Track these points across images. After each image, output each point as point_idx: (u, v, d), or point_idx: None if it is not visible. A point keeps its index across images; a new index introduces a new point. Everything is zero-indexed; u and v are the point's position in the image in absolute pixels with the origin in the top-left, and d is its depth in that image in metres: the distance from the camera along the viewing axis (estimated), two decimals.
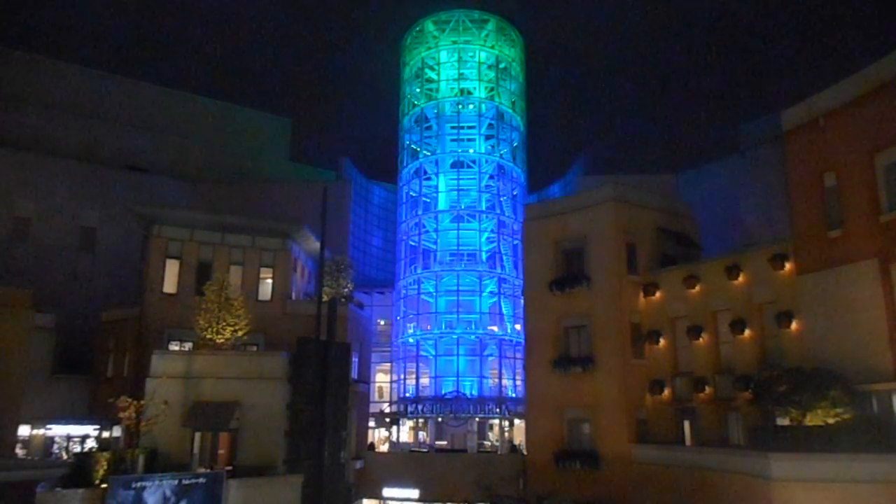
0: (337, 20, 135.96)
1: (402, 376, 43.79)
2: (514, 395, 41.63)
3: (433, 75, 47.67)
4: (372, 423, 42.97)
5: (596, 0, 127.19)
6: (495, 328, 42.67)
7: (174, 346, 31.05)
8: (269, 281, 34.84)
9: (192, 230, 33.65)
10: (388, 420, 43.51)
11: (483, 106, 46.20)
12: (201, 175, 53.84)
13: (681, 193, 47.03)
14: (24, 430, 34.07)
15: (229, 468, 23.30)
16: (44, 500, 19.02)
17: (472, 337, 42.12)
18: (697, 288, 28.10)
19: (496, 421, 40.47)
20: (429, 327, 43.04)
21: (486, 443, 41.24)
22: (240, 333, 26.48)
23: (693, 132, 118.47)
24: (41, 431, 35.40)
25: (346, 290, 34.92)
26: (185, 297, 32.25)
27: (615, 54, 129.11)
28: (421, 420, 41.15)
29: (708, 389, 26.81)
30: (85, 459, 20.79)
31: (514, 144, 47.43)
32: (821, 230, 23.22)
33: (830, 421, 20.35)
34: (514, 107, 47.22)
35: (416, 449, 39.30)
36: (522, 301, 36.85)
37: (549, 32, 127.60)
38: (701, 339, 27.51)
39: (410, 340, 43.10)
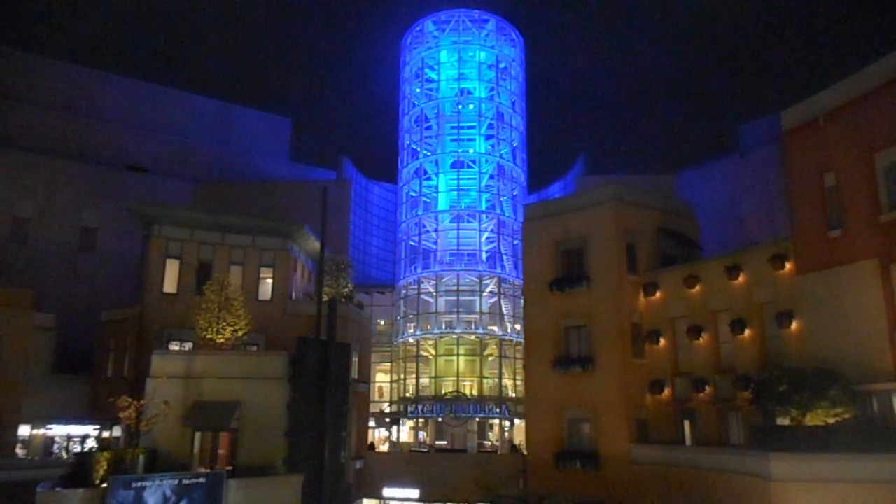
0: (337, 20, 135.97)
1: (402, 376, 43.80)
2: (514, 395, 41.62)
3: (433, 75, 47.69)
4: (372, 423, 42.98)
5: (596, 0, 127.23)
6: (495, 328, 42.67)
7: (174, 346, 31.01)
8: (269, 281, 34.81)
9: (192, 230, 33.62)
10: (388, 420, 43.54)
11: (483, 106, 46.22)
12: (201, 175, 53.83)
13: (681, 193, 47.04)
14: (24, 430, 34.04)
15: (229, 468, 23.26)
16: (44, 500, 18.97)
17: (472, 337, 42.12)
18: (697, 288, 28.08)
19: (496, 421, 40.50)
20: (429, 327, 43.05)
21: (486, 443, 41.26)
22: (240, 333, 26.44)
23: (693, 132, 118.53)
24: (41, 431, 35.37)
25: (346, 290, 34.89)
26: (185, 297, 32.20)
27: (615, 54, 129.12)
28: (421, 420, 41.15)
29: (708, 389, 26.80)
30: (85, 459, 20.72)
31: (514, 144, 47.44)
32: (821, 230, 23.21)
33: (830, 421, 20.33)
34: (514, 107, 47.23)
35: (416, 449, 39.31)
36: (522, 301, 36.84)
37: (549, 32, 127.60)
38: (701, 339, 27.50)
39: (410, 340, 43.10)
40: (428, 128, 47.35)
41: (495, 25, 47.32)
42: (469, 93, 46.66)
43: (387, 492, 34.98)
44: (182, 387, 24.19)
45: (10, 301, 32.10)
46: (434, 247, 45.32)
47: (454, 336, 41.81)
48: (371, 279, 52.74)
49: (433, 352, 42.70)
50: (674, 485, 24.54)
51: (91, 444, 34.53)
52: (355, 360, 34.82)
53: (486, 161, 45.41)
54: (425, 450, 38.53)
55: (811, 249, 23.54)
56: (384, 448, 42.53)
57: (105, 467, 20.10)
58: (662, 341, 29.19)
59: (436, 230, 45.21)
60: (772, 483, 19.06)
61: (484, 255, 44.24)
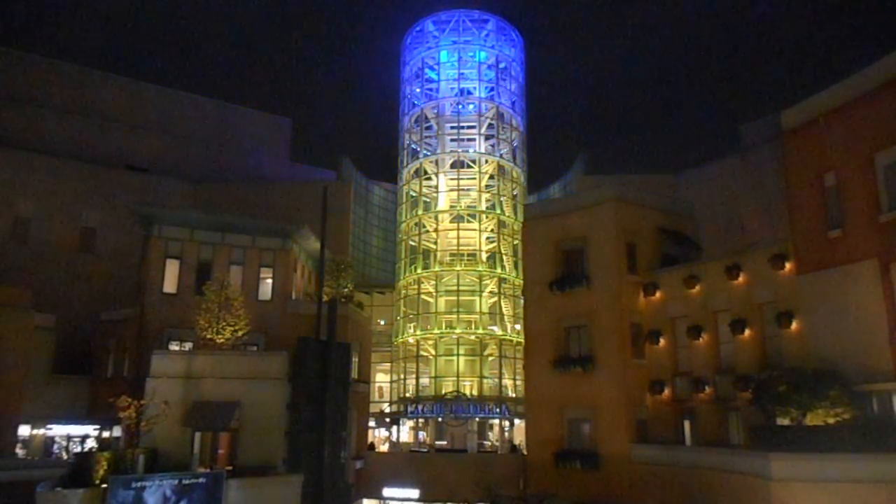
0: (337, 20, 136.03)
1: (402, 376, 43.80)
2: (514, 395, 41.62)
3: (433, 75, 47.70)
4: (372, 423, 42.99)
5: (596, 0, 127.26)
6: (495, 328, 42.67)
7: (174, 346, 31.03)
8: (269, 281, 34.83)
9: (192, 230, 33.64)
10: (388, 420, 43.53)
11: (483, 106, 46.23)
12: (201, 175, 53.85)
13: (681, 193, 47.04)
14: (24, 430, 34.07)
15: (229, 468, 23.29)
16: (44, 500, 19.00)
17: (472, 337, 42.12)
18: (697, 288, 28.07)
19: (496, 421, 40.48)
20: (429, 327, 43.06)
21: (486, 443, 41.25)
22: (240, 333, 26.48)
23: (693, 132, 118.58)
24: (41, 431, 35.39)
25: (346, 290, 34.91)
26: (185, 297, 32.23)
27: (615, 54, 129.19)
28: (421, 420, 41.15)
29: (708, 389, 26.79)
30: (85, 459, 20.76)
31: (514, 144, 47.46)
32: (821, 230, 23.20)
33: (830, 421, 20.34)
34: (514, 107, 47.23)
35: (416, 449, 39.30)
36: (522, 301, 36.82)
37: (549, 32, 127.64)
38: (701, 339, 27.48)
39: (410, 340, 43.10)
40: (428, 128, 47.36)
41: (495, 25, 47.31)
42: (469, 93, 46.67)
43: (387, 492, 34.97)
44: (182, 387, 24.22)
45: (10, 301, 32.11)
46: (434, 247, 45.32)
47: (454, 336, 41.81)
48: (371, 279, 52.75)
49: (433, 352, 42.70)
50: (674, 485, 24.54)
51: (91, 444, 34.58)
52: (355, 360, 34.85)
53: (486, 161, 45.42)
54: (425, 450, 38.51)
55: (811, 249, 23.53)
56: (384, 448, 42.51)
57: (105, 467, 20.13)
58: (662, 341, 29.17)
59: (436, 230, 45.22)
60: (772, 483, 19.05)
61: (484, 255, 44.24)
